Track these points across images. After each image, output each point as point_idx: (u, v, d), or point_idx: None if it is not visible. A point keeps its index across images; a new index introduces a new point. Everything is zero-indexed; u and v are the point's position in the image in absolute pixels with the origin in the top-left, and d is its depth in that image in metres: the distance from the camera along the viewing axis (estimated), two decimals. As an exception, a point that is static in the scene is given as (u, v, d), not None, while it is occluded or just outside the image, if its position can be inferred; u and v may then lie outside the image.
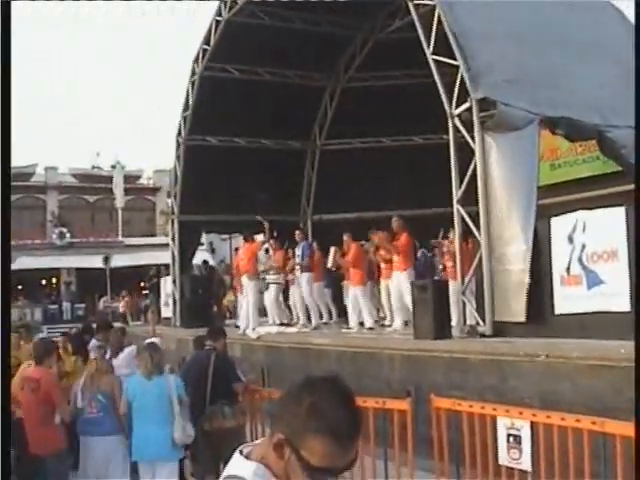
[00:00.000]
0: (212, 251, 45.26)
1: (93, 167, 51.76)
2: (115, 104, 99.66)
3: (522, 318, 11.80)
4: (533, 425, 7.65)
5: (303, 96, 23.62)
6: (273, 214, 23.90)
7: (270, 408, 9.58)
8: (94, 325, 14.60)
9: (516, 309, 11.92)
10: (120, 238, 47.62)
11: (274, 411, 2.57)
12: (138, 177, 51.23)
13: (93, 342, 12.15)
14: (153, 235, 46.60)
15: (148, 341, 9.76)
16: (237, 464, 2.49)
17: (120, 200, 47.60)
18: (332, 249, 17.47)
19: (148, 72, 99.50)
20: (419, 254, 18.93)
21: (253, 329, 18.09)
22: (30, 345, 10.97)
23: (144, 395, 8.43)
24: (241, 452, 2.53)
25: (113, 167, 49.21)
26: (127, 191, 48.45)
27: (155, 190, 48.82)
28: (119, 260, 43.28)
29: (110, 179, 48.25)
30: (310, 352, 15.39)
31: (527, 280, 11.72)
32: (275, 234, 21.32)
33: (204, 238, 38.96)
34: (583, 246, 11.00)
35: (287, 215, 24.97)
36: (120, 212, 48.00)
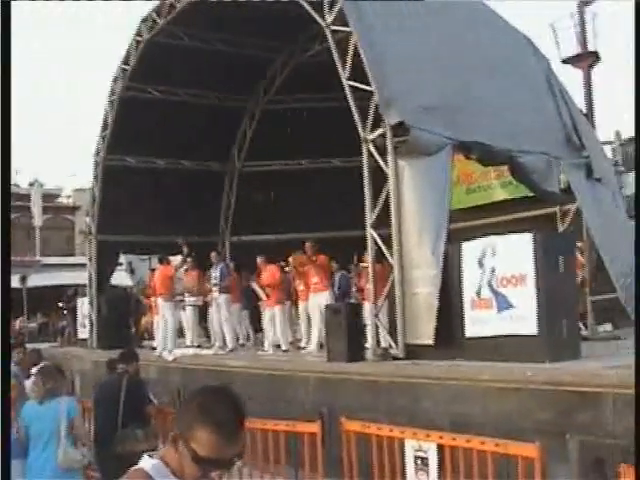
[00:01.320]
0: (131, 271, 44.70)
1: (12, 184, 50.77)
2: (35, 119, 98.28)
3: (430, 341, 11.90)
4: (440, 447, 7.72)
5: (223, 117, 23.62)
6: (192, 235, 23.85)
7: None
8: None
9: (424, 332, 12.02)
10: (38, 257, 46.72)
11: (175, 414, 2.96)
12: (57, 196, 50.51)
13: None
14: (72, 255, 45.88)
15: (40, 365, 9.57)
16: (141, 461, 2.93)
17: (38, 219, 46.77)
18: (253, 284, 17.59)
19: (69, 86, 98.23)
20: (338, 276, 18.97)
21: (169, 351, 17.92)
22: None
23: (37, 420, 8.30)
24: (148, 455, 2.97)
25: (31, 185, 48.28)
26: (45, 210, 47.61)
27: (74, 209, 48.12)
28: (36, 280, 42.40)
29: (28, 197, 47.33)
30: (225, 375, 15.27)
31: (436, 304, 11.84)
32: (193, 255, 21.25)
33: (123, 258, 38.44)
34: (493, 270, 11.16)
35: (206, 236, 24.83)
36: (38, 231, 47.13)
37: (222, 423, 2.75)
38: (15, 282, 41.74)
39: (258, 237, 24.15)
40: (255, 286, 17.47)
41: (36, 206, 46.62)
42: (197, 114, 22.82)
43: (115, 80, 21.92)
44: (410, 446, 7.90)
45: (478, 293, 11.36)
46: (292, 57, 22.77)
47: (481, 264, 11.33)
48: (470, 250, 11.63)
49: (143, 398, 9.68)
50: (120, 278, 32.71)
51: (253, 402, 13.79)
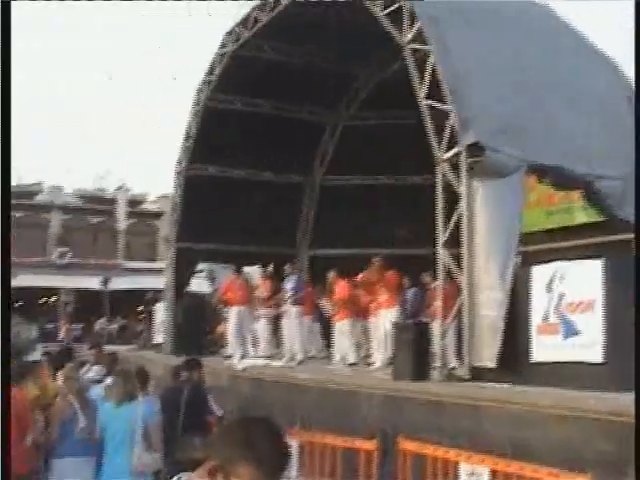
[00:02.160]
0: (212, 279, 45.28)
1: (97, 189, 52.01)
2: (124, 126, 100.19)
3: (493, 364, 11.86)
4: (494, 473, 7.72)
5: (305, 130, 23.84)
6: (269, 246, 24.23)
7: (206, 441, 9.66)
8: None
9: (488, 355, 11.98)
10: (120, 261, 47.70)
11: (210, 442, 2.92)
12: (142, 201, 51.47)
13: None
14: (154, 260, 46.68)
15: (121, 368, 9.84)
16: None
17: (122, 223, 47.79)
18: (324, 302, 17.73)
19: (159, 99, 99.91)
20: (411, 292, 18.96)
21: (240, 360, 18.17)
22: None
23: (113, 422, 8.52)
24: (179, 479, 2.95)
25: (118, 189, 49.37)
26: (130, 214, 48.58)
27: (158, 215, 48.89)
28: (118, 283, 43.42)
29: (114, 202, 48.41)
30: (293, 387, 15.41)
31: (501, 327, 11.78)
32: (269, 266, 21.55)
33: (203, 266, 38.94)
34: (561, 295, 11.08)
35: (283, 248, 25.09)
36: (122, 235, 48.14)
37: (266, 459, 2.68)
38: (97, 284, 42.92)
39: (334, 251, 24.22)
40: (324, 303, 17.61)
41: (121, 211, 47.62)
42: (279, 126, 23.08)
43: (199, 91, 22.38)
44: (464, 470, 7.92)
45: (545, 318, 11.29)
46: (375, 73, 22.89)
47: (550, 289, 11.26)
48: (540, 274, 11.56)
49: (204, 407, 9.87)
50: (199, 285, 33.09)
51: (318, 414, 14.03)
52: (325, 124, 24.70)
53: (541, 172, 12.79)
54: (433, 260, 13.89)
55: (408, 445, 8.85)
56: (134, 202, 50.18)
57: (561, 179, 12.82)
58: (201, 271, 39.19)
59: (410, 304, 18.48)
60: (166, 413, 9.66)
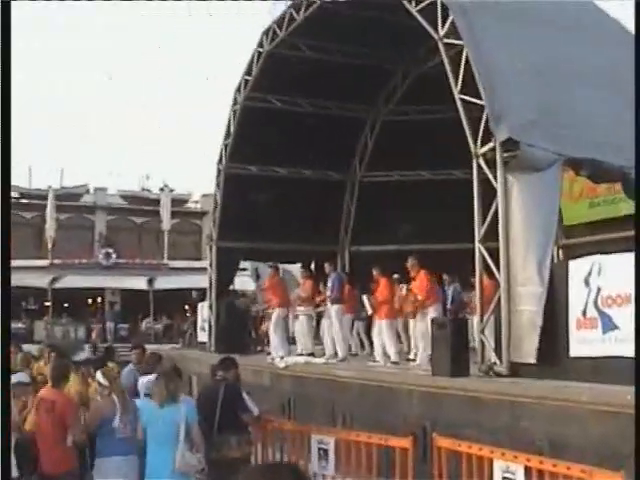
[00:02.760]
0: (257, 277, 45.49)
1: (142, 189, 52.50)
2: (165, 126, 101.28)
3: (532, 359, 11.83)
4: (527, 469, 7.73)
5: (343, 127, 23.92)
6: (311, 244, 24.36)
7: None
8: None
9: (527, 350, 11.95)
10: (165, 261, 48.11)
11: None
12: (185, 201, 51.82)
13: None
14: (199, 259, 47.03)
15: (163, 368, 9.96)
16: None
17: (167, 223, 48.14)
18: (364, 298, 17.82)
19: (197, 98, 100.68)
20: (451, 289, 18.96)
21: (281, 358, 18.31)
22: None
23: (156, 422, 8.65)
24: None
25: (161, 190, 49.77)
26: (174, 214, 48.92)
27: (202, 214, 49.24)
28: (163, 282, 43.78)
29: (158, 202, 48.81)
30: (334, 384, 15.54)
31: (539, 322, 11.76)
32: (310, 264, 21.76)
33: (248, 264, 39.21)
34: (599, 289, 11.01)
35: (325, 245, 25.22)
36: (166, 234, 48.53)
37: None
38: (143, 284, 43.34)
39: (377, 247, 24.28)
40: (365, 300, 17.67)
41: (165, 210, 47.96)
42: (318, 124, 23.16)
43: (238, 90, 22.56)
44: (498, 467, 7.93)
45: (584, 312, 11.21)
46: (413, 68, 22.88)
47: (587, 283, 11.19)
48: (577, 268, 11.50)
49: (240, 405, 9.97)
50: (243, 283, 33.36)
51: (358, 412, 14.12)
52: (364, 121, 24.72)
53: (576, 165, 12.71)
54: (465, 255, 13.95)
55: (443, 442, 8.87)
56: (178, 202, 50.54)
57: (597, 171, 12.72)
58: (245, 269, 39.54)
59: (451, 301, 18.53)
60: (203, 412, 9.81)
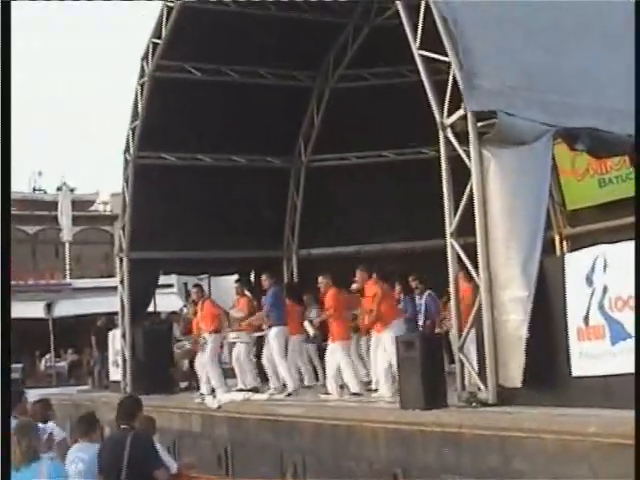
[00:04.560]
0: (187, 294, 45.13)
1: (34, 190, 51.95)
2: (62, 112, 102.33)
3: (518, 383, 11.81)
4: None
5: (283, 101, 23.68)
6: (250, 250, 24.17)
7: None
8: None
9: (512, 372, 11.91)
10: (68, 280, 47.64)
11: None
12: (91, 202, 51.31)
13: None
14: (112, 276, 46.61)
15: (18, 422, 9.74)
16: None
17: (67, 232, 47.56)
18: (305, 323, 18.00)
19: (104, 74, 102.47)
20: (424, 298, 18.93)
21: (214, 397, 18.17)
22: None
23: None
24: None
25: (59, 189, 49.23)
26: (77, 220, 48.35)
27: (113, 218, 48.84)
28: (66, 308, 43.29)
29: (55, 205, 48.19)
30: (280, 426, 15.46)
31: (524, 334, 11.72)
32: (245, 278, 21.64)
33: (174, 279, 38.95)
34: (604, 289, 10.96)
35: (267, 250, 25.10)
36: (68, 246, 48.01)
37: None
38: (39, 311, 42.78)
39: (333, 250, 24.21)
40: (306, 324, 17.72)
41: (65, 216, 47.28)
42: (250, 97, 23.03)
43: (144, 58, 22.19)
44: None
45: (586, 319, 11.17)
46: (366, 20, 22.70)
47: (590, 281, 11.13)
48: (576, 263, 11.47)
49: (151, 461, 9.75)
50: (167, 304, 33.08)
51: (312, 459, 14.02)
52: (309, 91, 24.52)
53: (573, 138, 12.64)
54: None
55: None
56: (81, 204, 50.02)
57: (598, 143, 12.66)
58: (170, 285, 39.21)
59: (425, 313, 18.51)
60: (105, 472, 9.61)
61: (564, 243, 21.40)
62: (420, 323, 18.64)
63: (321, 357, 19.93)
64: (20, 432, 8.79)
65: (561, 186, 21.69)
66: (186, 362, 23.87)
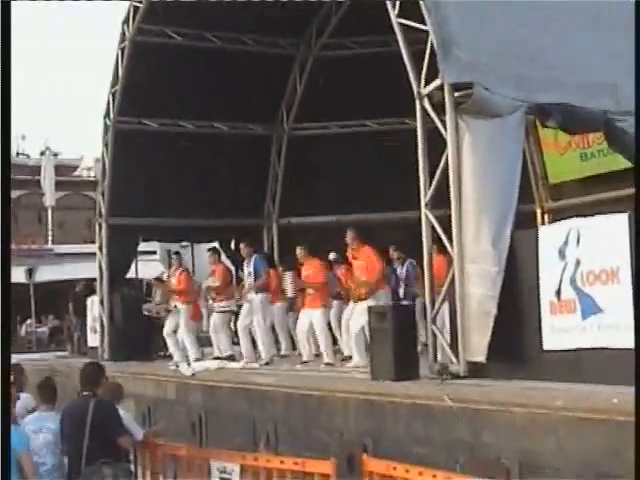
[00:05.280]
0: (169, 262, 44.96)
1: (17, 154, 51.66)
2: (45, 75, 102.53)
3: (482, 358, 11.84)
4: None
5: (265, 68, 23.49)
6: (230, 217, 24.07)
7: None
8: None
9: (477, 346, 11.92)
10: (50, 245, 47.43)
11: None
12: (75, 167, 51.00)
13: None
14: (93, 242, 46.55)
15: None
16: None
17: (50, 197, 47.30)
18: (287, 274, 18.03)
19: (85, 36, 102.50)
20: (405, 267, 18.91)
21: (188, 364, 18.12)
22: None
23: None
24: None
25: (42, 154, 48.96)
26: (60, 185, 48.07)
27: (96, 184, 48.49)
28: (48, 273, 43.10)
29: (38, 169, 47.91)
30: (254, 395, 15.41)
31: (493, 311, 11.71)
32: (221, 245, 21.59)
33: (157, 245, 38.78)
34: (577, 263, 10.91)
35: (247, 219, 24.99)
36: (50, 212, 47.76)
37: None
38: (20, 276, 42.47)
39: (313, 219, 24.14)
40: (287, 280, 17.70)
41: (48, 181, 47.01)
42: (232, 64, 22.94)
43: (125, 22, 22.02)
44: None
45: (558, 293, 11.14)
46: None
47: (562, 255, 11.09)
48: (550, 237, 11.41)
49: (114, 428, 9.72)
50: (147, 271, 32.88)
51: (284, 429, 13.99)
52: (291, 58, 24.37)
53: (545, 113, 12.55)
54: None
55: (375, 467, 8.75)
56: (65, 168, 49.71)
57: (573, 120, 12.56)
58: (154, 252, 39.05)
59: (405, 281, 18.46)
60: (68, 438, 9.59)
61: (546, 217, 21.33)
62: (402, 294, 18.60)
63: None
64: None
65: (544, 159, 21.62)
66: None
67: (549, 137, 20.83)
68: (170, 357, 20.64)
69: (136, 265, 26.42)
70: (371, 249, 15.74)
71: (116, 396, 10.87)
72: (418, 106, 13.07)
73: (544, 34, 13.24)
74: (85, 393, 9.85)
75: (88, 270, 35.31)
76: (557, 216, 19.82)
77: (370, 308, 13.78)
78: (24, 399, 11.20)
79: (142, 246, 27.00)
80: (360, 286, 15.47)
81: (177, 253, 21.43)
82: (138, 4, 21.50)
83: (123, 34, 22.30)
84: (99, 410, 9.61)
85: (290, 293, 18.35)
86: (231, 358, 18.65)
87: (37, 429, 9.95)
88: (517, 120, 12.30)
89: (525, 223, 13.43)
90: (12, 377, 12.18)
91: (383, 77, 21.84)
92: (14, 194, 48.53)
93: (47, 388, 10.57)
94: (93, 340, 25.69)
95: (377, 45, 22.53)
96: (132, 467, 10.43)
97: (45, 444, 9.83)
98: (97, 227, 25.00)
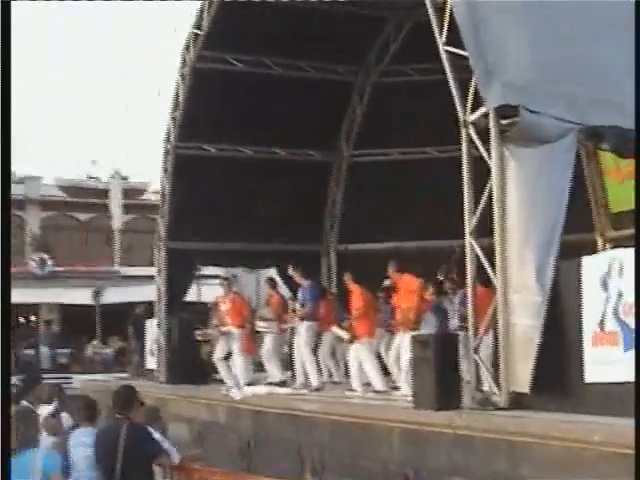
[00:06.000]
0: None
1: (88, 177, 52.17)
2: (115, 102, 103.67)
3: (525, 389, 11.65)
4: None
5: (324, 94, 23.48)
6: (288, 243, 24.05)
7: None
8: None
9: (521, 376, 11.71)
10: (116, 267, 47.80)
11: None
12: (142, 191, 51.27)
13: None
14: (156, 265, 46.95)
15: (17, 408, 9.77)
16: None
17: (118, 220, 47.71)
18: (334, 329, 18.25)
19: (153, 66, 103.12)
20: (458, 296, 18.63)
21: (239, 389, 18.13)
22: None
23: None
24: None
25: (112, 178, 49.44)
26: (127, 208, 48.50)
27: (162, 207, 49.02)
28: (114, 295, 43.45)
29: (107, 193, 48.36)
30: (300, 421, 15.41)
31: (536, 341, 11.51)
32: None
33: (222, 270, 38.95)
34: (620, 295, 10.71)
35: (306, 244, 24.92)
36: (118, 234, 48.16)
37: None
38: (87, 298, 42.95)
39: (371, 246, 23.98)
40: (335, 330, 17.70)
41: (116, 204, 47.47)
42: (292, 90, 22.96)
43: (186, 48, 22.20)
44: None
45: (601, 325, 10.93)
46: (409, 15, 22.40)
47: (605, 286, 10.90)
48: (593, 267, 11.22)
49: (148, 451, 9.68)
50: (213, 294, 33.00)
51: (330, 455, 13.93)
52: (350, 85, 24.32)
53: (598, 137, 12.36)
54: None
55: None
56: (132, 192, 50.05)
57: (624, 143, 12.35)
58: (217, 276, 39.24)
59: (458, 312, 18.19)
60: (101, 463, 9.56)
61: (607, 246, 20.97)
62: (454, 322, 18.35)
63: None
64: (18, 418, 8.89)
65: (605, 187, 21.25)
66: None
67: (610, 163, 20.49)
68: (223, 381, 20.69)
69: (199, 289, 26.53)
70: (411, 276, 15.72)
71: (151, 419, 10.82)
72: (464, 134, 13.03)
73: (592, 52, 13.03)
74: (118, 416, 9.83)
75: (152, 293, 35.67)
76: (618, 245, 19.56)
77: (414, 337, 13.69)
78: (61, 418, 11.26)
79: (206, 270, 27.09)
80: (402, 313, 15.42)
81: (227, 279, 21.46)
82: (197, 31, 21.63)
83: (184, 60, 22.47)
84: (131, 433, 9.56)
85: (345, 337, 18.18)
86: (282, 384, 18.64)
87: (76, 444, 10.01)
88: (568, 144, 12.10)
89: (586, 252, 13.18)
90: (46, 390, 12.43)
91: (441, 104, 21.68)
92: (84, 217, 49.19)
93: (87, 407, 10.62)
94: (151, 362, 25.86)
95: (435, 72, 22.36)
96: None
97: (84, 458, 9.87)
98: (156, 250, 25.11)
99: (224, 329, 19.67)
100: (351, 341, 17.31)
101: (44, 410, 11.21)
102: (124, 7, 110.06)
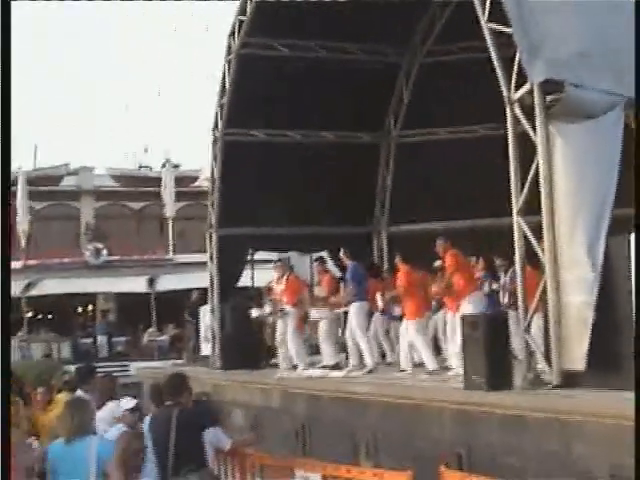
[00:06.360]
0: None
1: (140, 167, 52.43)
2: (166, 85, 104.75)
3: (581, 366, 11.53)
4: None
5: (371, 76, 23.45)
6: (339, 226, 24.02)
7: None
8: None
9: (576, 354, 11.59)
10: (170, 255, 48.05)
11: None
12: (195, 178, 51.45)
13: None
14: (209, 251, 47.12)
15: (73, 397, 9.87)
16: None
17: (171, 207, 47.85)
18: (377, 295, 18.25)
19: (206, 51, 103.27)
20: (508, 277, 18.53)
21: (303, 369, 18.61)
22: None
23: (63, 463, 8.60)
24: None
25: (163, 166, 49.53)
26: (180, 196, 48.61)
27: (213, 194, 49.16)
28: (168, 282, 43.65)
29: (159, 181, 48.39)
30: (353, 403, 15.40)
31: (591, 317, 11.42)
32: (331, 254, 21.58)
33: (275, 255, 38.99)
34: (670, 270, 10.59)
35: (356, 227, 24.91)
36: (171, 222, 48.35)
37: None
38: (142, 285, 43.18)
39: (423, 226, 23.85)
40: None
41: (168, 192, 47.48)
42: (338, 73, 22.87)
43: (231, 35, 22.20)
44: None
45: (653, 301, 10.80)
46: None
47: (655, 261, 10.77)
48: (642, 243, 11.07)
49: (200, 436, 9.75)
50: (267, 278, 33.10)
51: (383, 438, 13.93)
52: (397, 66, 24.24)
53: (641, 109, 12.18)
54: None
55: (451, 477, 8.59)
56: (184, 180, 50.17)
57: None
58: (270, 261, 39.33)
59: (507, 291, 18.10)
60: (155, 449, 9.64)
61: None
62: (505, 300, 18.25)
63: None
64: (74, 407, 9.02)
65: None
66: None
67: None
68: (277, 365, 20.77)
69: (252, 274, 26.59)
70: (455, 252, 15.72)
71: (201, 405, 10.94)
72: (508, 111, 12.94)
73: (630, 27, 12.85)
74: (168, 403, 9.91)
75: (206, 279, 35.82)
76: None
77: (463, 317, 13.62)
78: (112, 407, 11.34)
79: (259, 255, 27.16)
80: (447, 287, 15.44)
81: (280, 260, 21.44)
82: (242, 17, 21.62)
83: (229, 47, 22.48)
84: (182, 419, 9.64)
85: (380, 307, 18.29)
86: (336, 366, 18.65)
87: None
88: (614, 117, 11.97)
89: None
90: (106, 384, 12.54)
91: (488, 81, 21.54)
92: (137, 205, 49.49)
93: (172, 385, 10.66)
94: (206, 348, 26.00)
95: (481, 50, 22.21)
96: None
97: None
98: (208, 237, 25.21)
99: (281, 308, 19.69)
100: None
101: (126, 404, 11.17)
102: (124, 7, 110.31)
